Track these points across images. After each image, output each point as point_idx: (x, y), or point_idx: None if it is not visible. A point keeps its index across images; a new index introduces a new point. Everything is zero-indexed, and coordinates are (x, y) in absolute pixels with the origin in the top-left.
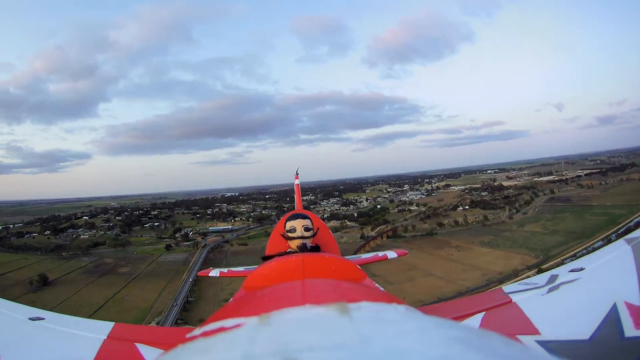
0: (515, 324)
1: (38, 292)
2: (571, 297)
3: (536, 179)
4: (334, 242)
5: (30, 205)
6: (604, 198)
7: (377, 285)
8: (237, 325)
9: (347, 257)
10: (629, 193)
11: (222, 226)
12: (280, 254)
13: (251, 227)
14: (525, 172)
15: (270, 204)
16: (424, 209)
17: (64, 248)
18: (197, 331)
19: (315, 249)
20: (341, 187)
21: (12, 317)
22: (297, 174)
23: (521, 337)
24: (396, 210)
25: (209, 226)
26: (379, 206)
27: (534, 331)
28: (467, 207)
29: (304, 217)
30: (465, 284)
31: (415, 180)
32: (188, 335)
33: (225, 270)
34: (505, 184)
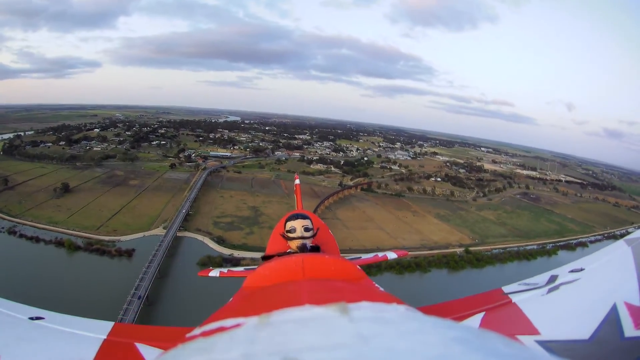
0: (515, 324)
1: (61, 198)
2: (571, 298)
3: (518, 171)
4: (334, 242)
5: (35, 110)
6: (569, 209)
7: (377, 285)
8: (237, 325)
9: (347, 257)
10: (593, 212)
11: (221, 152)
12: (280, 254)
13: (247, 157)
14: (514, 159)
15: (268, 137)
16: (402, 171)
17: (78, 158)
18: (197, 331)
19: (315, 249)
20: (338, 131)
21: (12, 317)
22: (297, 175)
23: (521, 337)
24: (379, 166)
25: (210, 150)
26: (365, 159)
27: (533, 331)
28: (439, 179)
29: (304, 217)
30: (404, 242)
31: (411, 138)
32: (188, 335)
33: (225, 270)
34: (487, 166)
